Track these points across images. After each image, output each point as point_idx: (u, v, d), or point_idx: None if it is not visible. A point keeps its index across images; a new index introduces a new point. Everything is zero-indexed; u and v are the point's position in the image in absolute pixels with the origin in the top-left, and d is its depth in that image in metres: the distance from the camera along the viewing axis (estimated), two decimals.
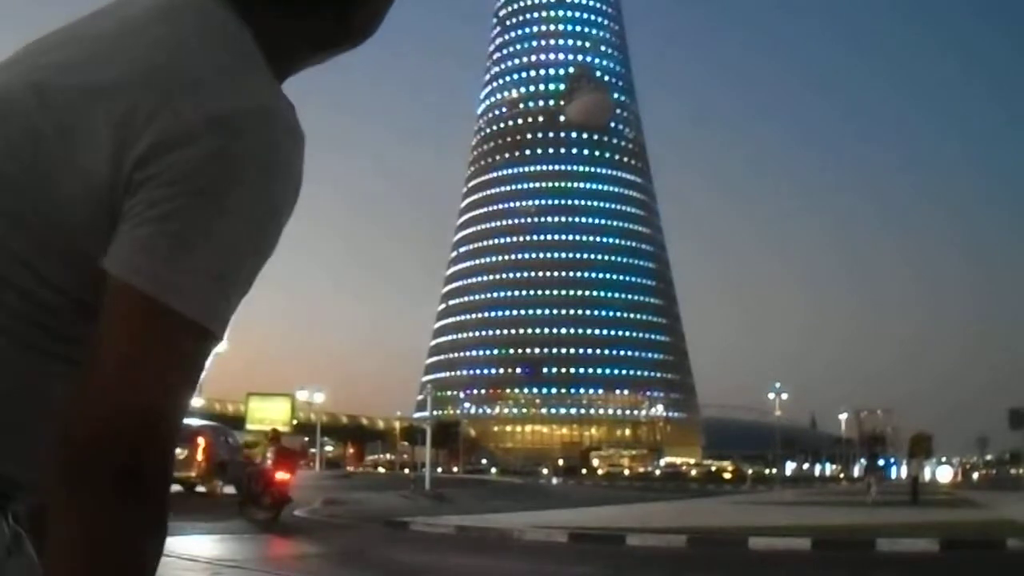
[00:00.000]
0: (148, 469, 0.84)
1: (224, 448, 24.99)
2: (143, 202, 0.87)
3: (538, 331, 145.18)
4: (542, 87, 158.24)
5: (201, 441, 23.50)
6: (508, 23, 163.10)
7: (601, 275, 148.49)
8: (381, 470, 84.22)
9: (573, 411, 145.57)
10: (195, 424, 24.60)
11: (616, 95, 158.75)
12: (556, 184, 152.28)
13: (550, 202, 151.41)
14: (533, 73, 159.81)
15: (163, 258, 0.86)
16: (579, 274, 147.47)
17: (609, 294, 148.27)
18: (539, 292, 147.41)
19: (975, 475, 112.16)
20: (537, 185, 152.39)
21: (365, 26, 1.08)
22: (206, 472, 23.46)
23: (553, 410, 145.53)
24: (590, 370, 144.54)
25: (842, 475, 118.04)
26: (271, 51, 0.97)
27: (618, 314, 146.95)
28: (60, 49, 0.98)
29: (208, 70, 0.92)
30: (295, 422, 67.55)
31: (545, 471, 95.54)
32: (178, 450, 26.47)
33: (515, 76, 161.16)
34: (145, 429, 0.84)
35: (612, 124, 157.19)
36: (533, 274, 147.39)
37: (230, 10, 0.96)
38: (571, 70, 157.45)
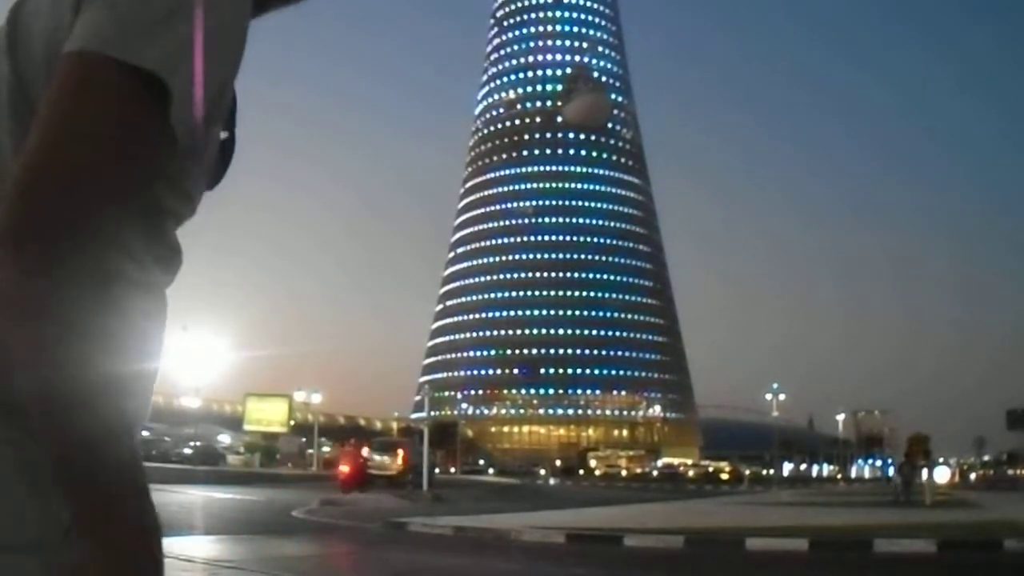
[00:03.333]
0: (50, 217, 0.79)
1: (415, 453, 36.17)
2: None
3: (536, 332, 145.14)
4: (540, 87, 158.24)
5: (401, 452, 37.80)
6: (506, 23, 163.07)
7: (599, 275, 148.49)
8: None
9: (571, 412, 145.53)
10: (397, 439, 36.09)
11: (613, 95, 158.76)
12: (554, 184, 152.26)
13: (548, 202, 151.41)
14: (531, 73, 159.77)
15: (99, 22, 0.85)
16: (577, 275, 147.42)
17: (607, 295, 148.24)
18: (537, 293, 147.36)
19: (972, 476, 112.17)
20: (535, 185, 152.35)
21: None
22: (403, 472, 35.42)
23: (551, 411, 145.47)
24: (588, 371, 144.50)
25: (839, 476, 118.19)
26: None
27: (616, 315, 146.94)
28: None
29: None
30: (292, 423, 67.53)
31: (543, 472, 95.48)
32: (386, 457, 34.63)
33: (513, 76, 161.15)
34: (57, 181, 0.80)
35: (609, 124, 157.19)
36: (531, 275, 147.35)
37: None
38: (568, 70, 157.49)
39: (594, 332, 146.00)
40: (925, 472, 30.58)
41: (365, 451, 36.55)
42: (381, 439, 50.49)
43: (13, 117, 0.92)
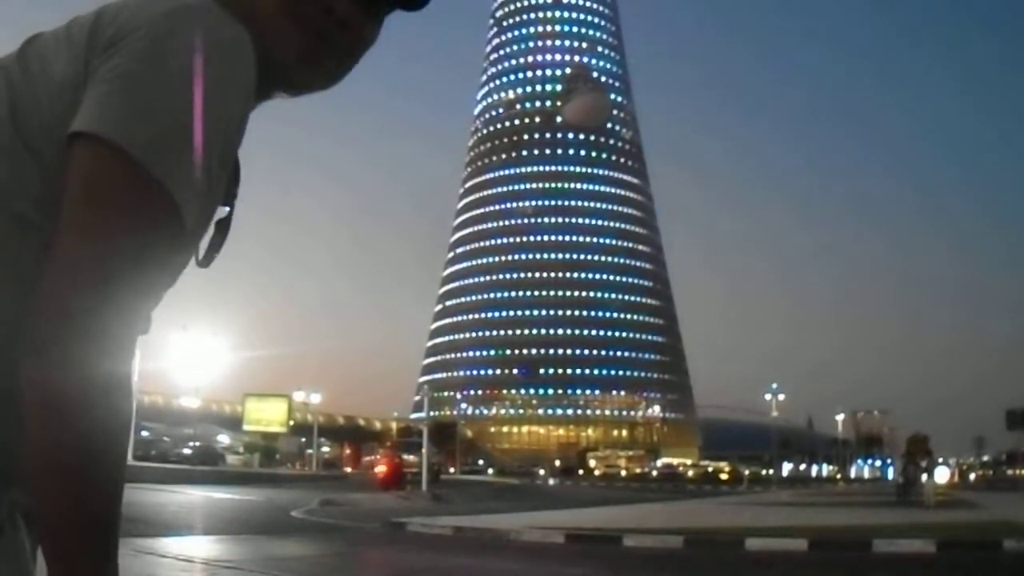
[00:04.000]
0: (103, 327, 0.87)
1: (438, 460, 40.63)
2: (102, 72, 0.95)
3: (535, 332, 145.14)
4: (539, 88, 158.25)
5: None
6: (505, 24, 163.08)
7: (598, 276, 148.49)
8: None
9: (570, 412, 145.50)
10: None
11: (613, 95, 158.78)
12: (553, 185, 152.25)
13: (547, 203, 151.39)
14: (530, 74, 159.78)
15: (109, 103, 0.92)
16: (576, 275, 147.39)
17: (606, 295, 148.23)
18: (536, 293, 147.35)
19: (972, 476, 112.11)
20: (534, 186, 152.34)
21: (336, 77, 1.16)
22: (434, 477, 38.02)
23: (550, 411, 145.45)
24: (587, 371, 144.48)
25: (839, 476, 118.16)
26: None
27: (615, 315, 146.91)
28: None
29: None
30: (292, 423, 67.45)
31: (542, 472, 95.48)
32: (414, 456, 36.45)
33: (512, 77, 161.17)
34: (88, 298, 0.87)
35: (609, 125, 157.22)
36: (530, 275, 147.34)
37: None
38: (568, 71, 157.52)
39: (593, 332, 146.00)
40: (942, 473, 30.15)
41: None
42: (407, 440, 55.97)
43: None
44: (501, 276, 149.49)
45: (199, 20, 0.96)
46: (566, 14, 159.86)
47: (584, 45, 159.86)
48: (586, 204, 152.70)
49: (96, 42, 0.97)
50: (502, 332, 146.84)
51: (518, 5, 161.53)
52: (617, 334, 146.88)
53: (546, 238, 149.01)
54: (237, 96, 0.98)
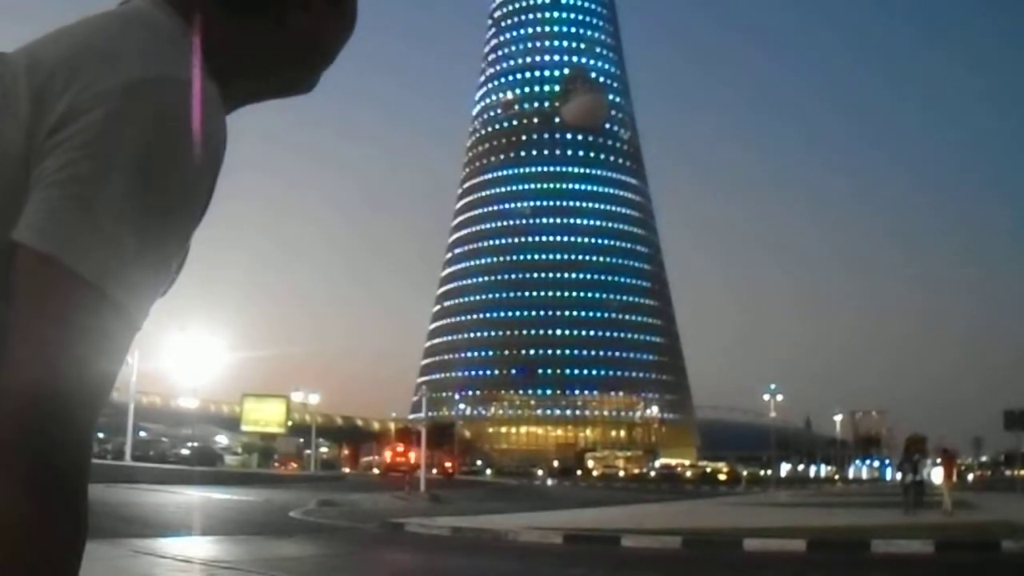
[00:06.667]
0: (58, 460, 0.83)
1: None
2: (50, 167, 0.88)
3: (534, 332, 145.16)
4: (537, 88, 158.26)
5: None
6: (503, 24, 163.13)
7: (596, 276, 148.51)
8: (375, 471, 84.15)
9: (568, 412, 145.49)
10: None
11: (611, 96, 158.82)
12: (551, 185, 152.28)
13: (545, 203, 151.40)
14: (528, 74, 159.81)
15: (62, 217, 0.86)
16: (574, 275, 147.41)
17: (604, 295, 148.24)
18: (534, 293, 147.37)
19: (970, 476, 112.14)
20: (532, 186, 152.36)
21: (313, 80, 1.15)
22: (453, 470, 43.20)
23: (548, 411, 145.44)
24: (585, 371, 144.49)
25: (837, 476, 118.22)
26: (217, 72, 1.01)
27: (613, 315, 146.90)
28: (43, 38, 1.01)
29: (128, 46, 0.94)
30: (290, 423, 67.45)
31: (540, 472, 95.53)
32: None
33: (510, 77, 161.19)
34: (54, 417, 0.83)
35: (607, 125, 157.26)
36: (528, 275, 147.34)
37: (179, 19, 1.00)
38: (566, 71, 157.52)
39: (592, 333, 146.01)
40: (937, 473, 29.41)
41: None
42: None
43: None
44: (499, 276, 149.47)
45: (160, 98, 0.91)
46: (564, 14, 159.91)
47: (582, 45, 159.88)
48: (584, 204, 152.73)
49: (43, 113, 0.91)
50: (500, 333, 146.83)
51: (516, 5, 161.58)
52: (615, 335, 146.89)
53: (544, 238, 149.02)
54: (200, 177, 0.94)
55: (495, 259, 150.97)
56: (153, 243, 0.90)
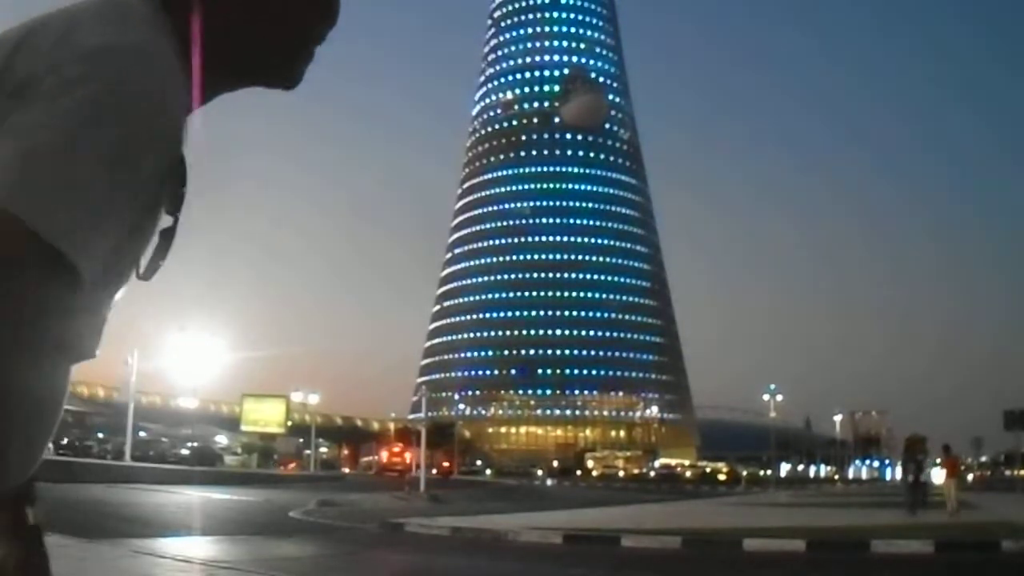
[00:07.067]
0: None
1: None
2: (8, 124, 0.90)
3: (533, 332, 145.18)
4: (537, 88, 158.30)
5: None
6: (503, 24, 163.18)
7: (596, 276, 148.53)
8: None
9: (568, 412, 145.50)
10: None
11: (611, 96, 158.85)
12: (551, 185, 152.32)
13: (545, 203, 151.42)
14: (528, 74, 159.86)
15: (15, 171, 0.87)
16: (574, 275, 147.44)
17: (604, 295, 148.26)
18: (534, 293, 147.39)
19: (970, 476, 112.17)
20: (532, 186, 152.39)
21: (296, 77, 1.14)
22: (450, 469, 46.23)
23: (548, 411, 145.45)
24: (585, 371, 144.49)
25: (836, 476, 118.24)
26: (193, 52, 1.03)
27: (613, 315, 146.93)
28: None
29: (90, 18, 0.96)
30: (290, 423, 67.48)
31: (540, 472, 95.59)
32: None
33: (510, 77, 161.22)
34: None
35: (607, 125, 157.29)
36: (528, 275, 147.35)
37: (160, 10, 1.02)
38: (566, 71, 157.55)
39: (591, 333, 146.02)
40: (939, 473, 29.25)
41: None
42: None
43: None
44: (499, 276, 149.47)
45: (119, 66, 0.93)
46: (564, 15, 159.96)
47: (582, 46, 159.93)
48: (584, 204, 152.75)
49: (6, 78, 0.93)
50: (500, 333, 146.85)
51: (516, 5, 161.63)
52: (615, 334, 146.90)
53: (544, 238, 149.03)
54: (151, 140, 0.94)
55: (495, 259, 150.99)
56: (100, 196, 0.90)
